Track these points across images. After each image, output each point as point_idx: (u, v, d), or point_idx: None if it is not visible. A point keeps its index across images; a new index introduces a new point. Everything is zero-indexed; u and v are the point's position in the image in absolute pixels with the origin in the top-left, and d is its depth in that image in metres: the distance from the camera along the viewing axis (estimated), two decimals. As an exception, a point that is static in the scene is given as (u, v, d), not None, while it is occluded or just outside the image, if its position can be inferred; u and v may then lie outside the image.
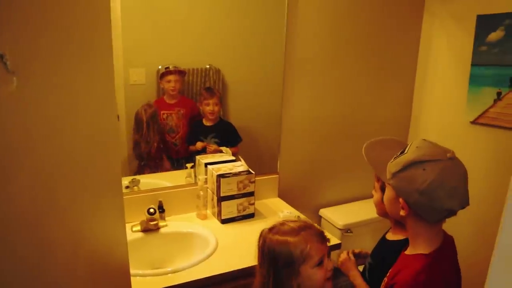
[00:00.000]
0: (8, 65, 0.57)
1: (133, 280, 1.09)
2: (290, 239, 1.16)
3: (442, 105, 2.38)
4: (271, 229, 1.23)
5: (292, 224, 1.22)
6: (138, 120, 1.91)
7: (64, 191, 0.73)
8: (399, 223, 1.31)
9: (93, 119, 0.75)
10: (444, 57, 2.34)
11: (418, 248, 1.12)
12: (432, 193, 1.02)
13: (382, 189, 1.33)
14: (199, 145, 2.11)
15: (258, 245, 1.22)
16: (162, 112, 2.00)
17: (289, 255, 1.14)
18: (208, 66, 2.02)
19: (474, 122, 2.17)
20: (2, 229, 0.65)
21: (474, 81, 2.15)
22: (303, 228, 1.21)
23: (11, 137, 0.63)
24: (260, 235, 1.23)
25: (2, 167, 0.63)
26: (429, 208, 1.04)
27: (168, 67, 1.93)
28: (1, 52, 0.56)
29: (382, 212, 1.36)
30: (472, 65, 2.15)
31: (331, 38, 2.20)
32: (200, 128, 2.11)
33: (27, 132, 0.65)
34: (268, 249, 1.17)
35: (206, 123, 2.11)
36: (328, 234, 1.84)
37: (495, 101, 2.06)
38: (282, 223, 1.24)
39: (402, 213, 1.10)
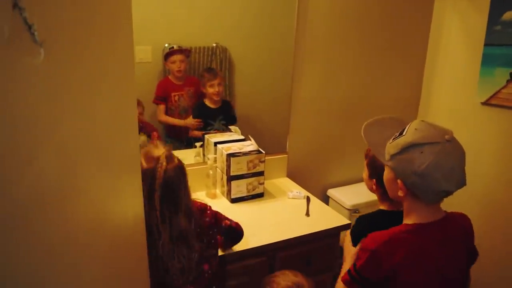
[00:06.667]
0: (36, 35, 0.54)
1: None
2: None
3: (453, 86, 2.35)
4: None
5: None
6: None
7: (86, 171, 0.72)
8: (385, 197, 1.32)
9: (113, 98, 0.74)
10: (456, 36, 2.30)
11: (406, 220, 1.16)
12: (429, 175, 1.04)
13: (368, 167, 1.40)
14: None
15: None
16: (173, 94, 1.97)
17: None
18: (214, 45, 1.98)
19: (485, 103, 2.15)
20: (27, 212, 0.64)
21: (487, 61, 2.12)
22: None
23: (35, 114, 0.61)
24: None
25: (26, 144, 0.62)
26: (426, 189, 1.06)
27: (172, 47, 1.87)
28: (30, 23, 0.53)
29: (370, 188, 1.44)
30: (485, 45, 2.11)
31: (342, 18, 2.16)
32: (206, 111, 2.05)
33: (50, 109, 0.63)
34: None
35: (211, 105, 2.05)
36: (337, 214, 1.87)
37: (507, 81, 2.03)
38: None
39: (400, 193, 1.12)
